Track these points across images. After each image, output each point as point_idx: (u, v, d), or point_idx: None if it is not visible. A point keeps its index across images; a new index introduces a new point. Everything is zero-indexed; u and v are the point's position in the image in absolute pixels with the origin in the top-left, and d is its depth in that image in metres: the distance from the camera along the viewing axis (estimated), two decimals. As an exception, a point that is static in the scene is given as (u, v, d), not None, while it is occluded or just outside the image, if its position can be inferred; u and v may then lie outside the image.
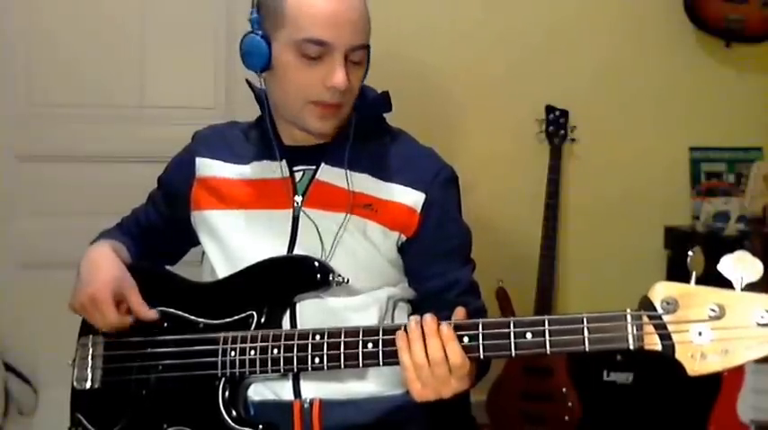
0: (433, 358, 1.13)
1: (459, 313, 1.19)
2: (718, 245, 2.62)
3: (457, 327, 1.14)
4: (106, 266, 1.40)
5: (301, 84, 1.35)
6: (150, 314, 1.38)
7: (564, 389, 2.59)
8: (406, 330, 1.16)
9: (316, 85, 1.34)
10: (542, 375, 2.62)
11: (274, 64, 1.37)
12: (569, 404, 2.58)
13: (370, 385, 1.36)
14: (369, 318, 1.37)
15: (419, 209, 1.40)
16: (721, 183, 2.91)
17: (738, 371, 2.19)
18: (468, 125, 2.82)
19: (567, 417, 2.58)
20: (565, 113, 2.78)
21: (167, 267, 1.57)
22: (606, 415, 2.65)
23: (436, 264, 1.42)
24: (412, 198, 1.40)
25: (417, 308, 1.45)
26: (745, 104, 2.91)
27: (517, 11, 2.82)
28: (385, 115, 1.51)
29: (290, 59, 1.34)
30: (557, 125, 2.77)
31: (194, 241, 1.52)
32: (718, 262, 1.01)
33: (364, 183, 1.41)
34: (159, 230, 1.59)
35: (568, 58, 2.84)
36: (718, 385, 2.22)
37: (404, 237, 1.41)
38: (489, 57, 2.82)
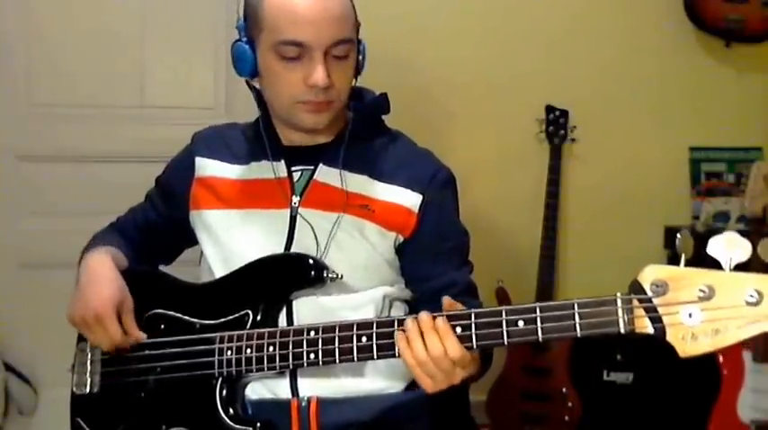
0: (434, 354, 1.14)
1: (447, 304, 1.19)
2: (718, 244, 2.60)
3: (450, 318, 1.15)
4: (107, 280, 1.38)
5: (286, 85, 1.35)
6: (141, 336, 1.37)
7: (564, 389, 2.58)
8: (403, 328, 1.17)
9: (299, 85, 1.34)
10: (542, 375, 2.61)
11: (260, 68, 1.38)
12: (569, 404, 2.57)
13: (367, 383, 1.36)
14: (365, 316, 1.36)
15: (416, 209, 1.40)
16: (721, 183, 2.91)
17: (738, 371, 2.18)
18: (468, 125, 2.82)
19: (567, 417, 2.57)
20: (565, 113, 2.77)
21: (163, 269, 1.58)
22: (606, 415, 2.64)
23: (434, 265, 1.42)
24: (409, 199, 1.40)
25: (415, 309, 1.44)
26: (745, 104, 2.90)
27: (517, 11, 2.82)
28: (384, 116, 1.51)
29: (272, 63, 1.35)
30: (557, 125, 2.76)
31: (192, 241, 1.53)
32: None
33: (362, 184, 1.41)
34: (157, 230, 1.59)
35: (569, 58, 2.84)
36: (718, 385, 2.21)
37: (401, 238, 1.41)
38: (489, 57, 2.82)
